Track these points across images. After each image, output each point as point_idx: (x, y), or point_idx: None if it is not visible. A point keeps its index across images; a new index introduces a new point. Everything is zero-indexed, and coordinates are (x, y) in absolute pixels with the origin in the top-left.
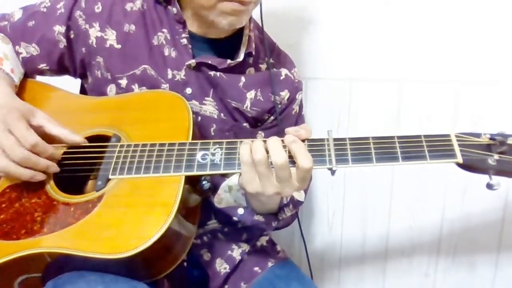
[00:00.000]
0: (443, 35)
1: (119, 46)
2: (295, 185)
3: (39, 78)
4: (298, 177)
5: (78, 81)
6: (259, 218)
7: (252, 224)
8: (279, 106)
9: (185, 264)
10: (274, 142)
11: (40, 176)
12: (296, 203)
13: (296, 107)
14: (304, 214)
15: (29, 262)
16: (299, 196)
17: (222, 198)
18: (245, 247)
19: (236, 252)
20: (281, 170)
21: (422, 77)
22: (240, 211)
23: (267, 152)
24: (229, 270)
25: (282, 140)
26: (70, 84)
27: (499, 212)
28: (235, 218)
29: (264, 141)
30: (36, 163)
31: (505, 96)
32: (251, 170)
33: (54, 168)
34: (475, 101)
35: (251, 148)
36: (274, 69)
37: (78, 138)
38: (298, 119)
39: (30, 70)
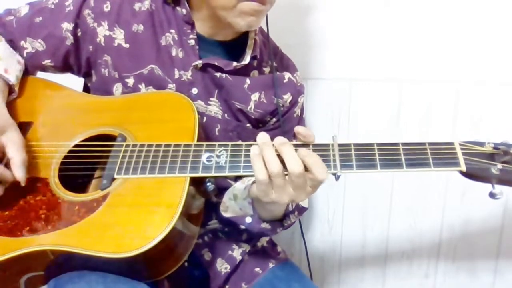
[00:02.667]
0: (443, 35)
1: (127, 46)
2: (308, 190)
3: (44, 75)
4: (312, 184)
5: (80, 80)
6: (266, 225)
7: (259, 231)
8: (282, 108)
9: (186, 264)
10: (288, 150)
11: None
12: (301, 210)
13: (298, 110)
14: (304, 215)
15: (32, 260)
16: (304, 202)
17: (228, 206)
18: (246, 247)
19: (237, 252)
20: (298, 178)
21: (422, 77)
22: (248, 219)
23: (281, 160)
24: (229, 270)
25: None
26: (72, 82)
27: (499, 215)
28: (242, 226)
29: (275, 149)
30: None
31: (505, 96)
32: (268, 186)
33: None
34: (475, 101)
35: (264, 163)
36: (277, 73)
37: (21, 174)
38: (300, 122)
39: (33, 66)
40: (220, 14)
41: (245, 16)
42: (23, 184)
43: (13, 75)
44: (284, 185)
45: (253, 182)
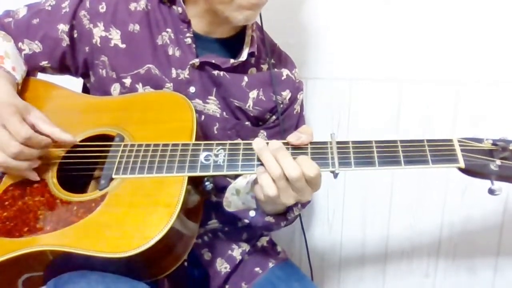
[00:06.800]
0: (443, 35)
1: (123, 46)
2: (309, 190)
3: (43, 76)
4: (310, 183)
5: (80, 80)
6: (269, 219)
7: (263, 225)
8: (281, 106)
9: (185, 263)
10: (282, 155)
11: (36, 164)
12: (304, 203)
13: (297, 107)
14: (304, 214)
15: (31, 260)
16: None
17: (230, 201)
18: (245, 246)
19: (237, 252)
20: (298, 181)
21: (422, 77)
22: (252, 213)
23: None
24: (229, 270)
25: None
26: (72, 83)
27: (499, 213)
28: (246, 220)
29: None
30: (30, 155)
31: (505, 96)
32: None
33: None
34: (475, 102)
35: (269, 173)
36: (275, 69)
37: (68, 136)
38: (300, 119)
39: (31, 67)
40: (218, 8)
41: (243, 10)
42: (76, 141)
43: (19, 74)
44: (287, 188)
45: (255, 181)
